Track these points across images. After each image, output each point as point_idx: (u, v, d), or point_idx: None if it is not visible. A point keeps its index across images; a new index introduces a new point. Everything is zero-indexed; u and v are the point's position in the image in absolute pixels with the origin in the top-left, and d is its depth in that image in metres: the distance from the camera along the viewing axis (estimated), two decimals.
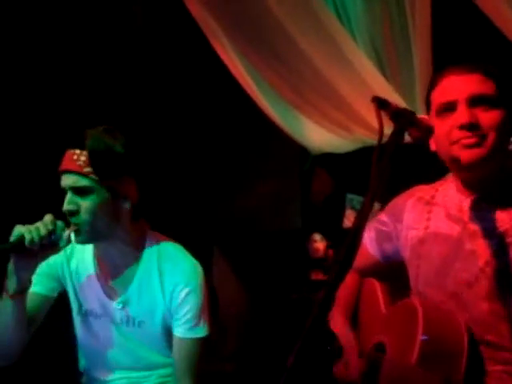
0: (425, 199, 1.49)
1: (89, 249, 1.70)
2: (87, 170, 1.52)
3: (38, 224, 1.46)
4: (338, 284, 1.03)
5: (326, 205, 3.69)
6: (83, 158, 1.52)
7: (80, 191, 1.52)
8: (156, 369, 1.76)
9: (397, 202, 1.56)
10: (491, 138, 1.31)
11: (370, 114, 2.84)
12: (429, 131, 1.32)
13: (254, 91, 3.01)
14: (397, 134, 1.22)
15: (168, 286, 1.64)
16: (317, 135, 3.21)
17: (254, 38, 2.62)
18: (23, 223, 1.48)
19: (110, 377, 1.76)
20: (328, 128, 3.07)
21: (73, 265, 1.71)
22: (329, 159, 3.52)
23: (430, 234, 1.42)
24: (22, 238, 1.44)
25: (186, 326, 1.65)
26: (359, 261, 1.66)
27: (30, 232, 1.43)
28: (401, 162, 1.28)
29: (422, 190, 1.52)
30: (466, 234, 1.35)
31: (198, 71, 3.46)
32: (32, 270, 1.52)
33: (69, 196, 1.54)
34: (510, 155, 1.38)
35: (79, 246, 1.68)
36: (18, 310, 1.51)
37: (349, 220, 3.51)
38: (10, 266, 1.48)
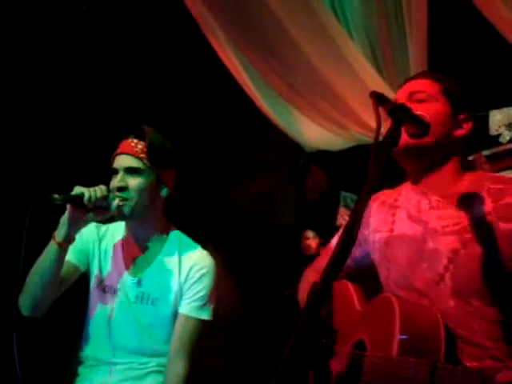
0: (388, 203, 1.53)
1: (119, 230, 1.92)
2: (142, 155, 1.80)
3: (96, 188, 1.70)
4: (334, 277, 1.03)
5: (319, 202, 3.69)
6: (140, 146, 1.82)
7: (132, 171, 1.79)
8: (156, 356, 1.84)
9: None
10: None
11: (365, 112, 2.85)
12: (426, 127, 1.33)
13: (250, 88, 3.01)
14: (394, 129, 1.22)
15: (185, 267, 1.83)
16: (312, 132, 3.22)
17: (250, 35, 2.62)
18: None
19: (112, 361, 1.82)
20: (323, 125, 3.07)
21: (103, 245, 1.91)
22: (323, 156, 3.52)
23: (395, 236, 1.46)
24: (81, 194, 1.67)
25: (195, 305, 1.80)
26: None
27: (89, 192, 1.67)
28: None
29: (385, 194, 1.56)
30: (427, 233, 1.38)
31: (195, 68, 3.45)
32: (81, 225, 1.73)
33: (121, 174, 1.79)
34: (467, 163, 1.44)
35: (111, 230, 1.92)
36: (60, 257, 1.71)
37: (342, 217, 3.51)
38: (64, 217, 1.69)
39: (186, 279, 1.82)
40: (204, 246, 1.97)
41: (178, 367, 1.79)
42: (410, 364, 1.20)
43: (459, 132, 1.41)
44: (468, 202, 1.35)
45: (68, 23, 3.14)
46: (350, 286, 1.57)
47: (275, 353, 0.99)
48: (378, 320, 1.36)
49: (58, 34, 3.11)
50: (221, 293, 1.98)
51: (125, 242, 1.91)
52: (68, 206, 1.68)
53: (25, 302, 1.74)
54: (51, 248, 1.70)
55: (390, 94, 2.78)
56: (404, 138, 1.34)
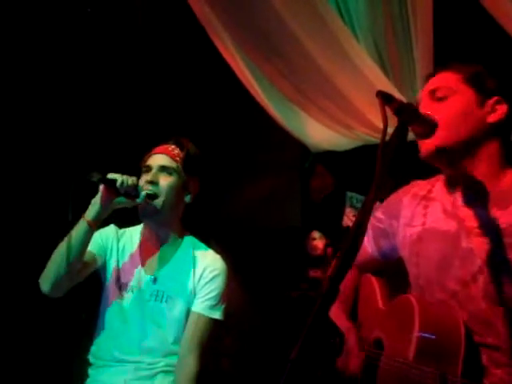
0: (420, 195, 1.47)
1: (137, 232, 2.00)
2: (177, 159, 1.93)
3: (129, 176, 1.81)
4: (342, 277, 1.03)
5: (325, 203, 3.69)
6: (176, 151, 1.94)
7: (165, 169, 1.91)
8: (165, 356, 1.87)
9: (393, 199, 1.54)
10: (442, 126, 1.31)
11: (371, 112, 2.84)
12: (432, 127, 1.32)
13: (255, 89, 3.01)
14: (401, 129, 1.21)
15: (199, 268, 1.90)
16: (317, 133, 3.21)
17: (255, 35, 2.62)
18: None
19: (122, 360, 1.84)
20: (329, 125, 3.07)
21: (121, 244, 1.98)
22: (329, 157, 3.52)
23: (427, 230, 1.40)
24: (115, 179, 1.78)
25: (207, 304, 1.86)
26: (358, 257, 1.66)
27: (122, 177, 1.79)
28: (403, 158, 1.28)
29: (417, 186, 1.50)
30: (462, 230, 1.33)
31: (200, 70, 3.46)
32: (110, 208, 1.82)
33: (154, 171, 1.89)
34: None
35: (129, 232, 2.01)
36: (88, 236, 1.78)
37: (348, 218, 3.51)
38: (96, 198, 1.79)
39: (200, 279, 1.88)
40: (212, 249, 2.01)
41: (189, 365, 1.82)
42: (422, 372, 1.18)
43: (492, 117, 1.32)
44: (507, 203, 1.28)
45: (77, 25, 3.16)
46: (375, 281, 1.54)
47: (284, 353, 0.99)
48: (398, 321, 1.34)
49: (64, 36, 3.14)
50: (228, 294, 2.01)
51: (142, 242, 1.97)
52: (102, 186, 1.78)
53: (47, 278, 1.78)
54: (81, 226, 1.77)
55: (396, 94, 2.79)
56: (428, 144, 1.31)
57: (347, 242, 1.05)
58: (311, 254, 3.59)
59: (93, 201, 1.79)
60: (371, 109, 2.83)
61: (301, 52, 2.54)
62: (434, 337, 1.23)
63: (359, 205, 3.40)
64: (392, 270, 1.57)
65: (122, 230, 2.02)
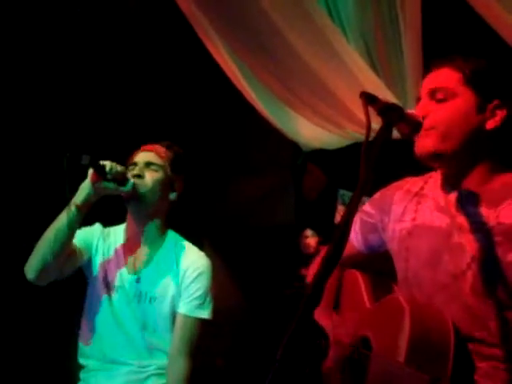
0: (413, 191, 1.47)
1: (121, 230, 2.00)
2: (163, 156, 1.96)
3: (117, 164, 1.83)
4: (327, 278, 1.04)
5: (318, 201, 3.70)
6: (163, 150, 1.98)
7: (152, 165, 1.93)
8: (155, 358, 1.86)
9: (384, 193, 1.54)
10: (439, 129, 1.31)
11: (360, 110, 2.83)
12: (417, 126, 1.33)
13: (244, 88, 3.01)
14: (385, 128, 1.23)
15: (182, 267, 1.88)
16: (308, 131, 3.22)
17: (243, 34, 2.62)
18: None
19: (112, 363, 1.83)
20: (319, 124, 3.07)
21: (107, 242, 1.98)
22: (321, 155, 3.53)
23: (417, 225, 1.41)
24: (104, 164, 1.79)
25: (193, 304, 1.84)
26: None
27: (112, 163, 1.81)
28: (389, 156, 1.28)
29: (410, 182, 1.50)
30: (454, 226, 1.34)
31: (190, 69, 3.46)
32: (98, 193, 1.82)
33: (140, 166, 1.93)
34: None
35: (114, 231, 2.01)
36: (76, 221, 1.78)
37: (340, 215, 3.52)
38: (85, 183, 1.80)
39: (184, 279, 1.86)
40: (202, 247, 2.01)
41: (180, 368, 1.81)
42: (413, 375, 1.19)
43: (491, 123, 1.31)
44: (498, 204, 1.29)
45: (68, 24, 3.16)
46: (360, 277, 1.54)
47: (273, 353, 1.00)
48: (387, 322, 1.34)
49: (56, 33, 3.13)
50: (221, 293, 2.01)
51: (126, 240, 1.98)
52: (91, 170, 1.79)
53: (33, 265, 1.77)
54: (69, 209, 1.77)
55: (386, 93, 2.80)
56: (423, 145, 1.32)
57: (333, 241, 1.06)
58: (304, 252, 3.60)
59: (82, 185, 1.80)
60: (361, 107, 2.83)
61: (289, 50, 2.55)
62: (423, 339, 1.24)
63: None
64: (375, 267, 1.57)
65: (108, 229, 2.02)
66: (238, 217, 3.71)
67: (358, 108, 2.83)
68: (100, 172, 1.78)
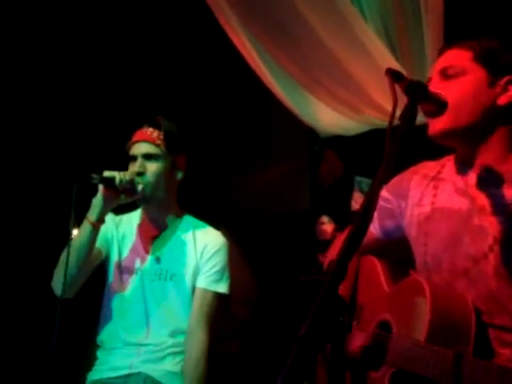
0: (430, 176, 1.45)
1: (136, 216, 2.02)
2: (158, 142, 1.93)
3: (124, 172, 1.83)
4: (351, 256, 1.03)
5: (334, 187, 3.68)
6: (156, 134, 1.94)
7: (150, 157, 1.91)
8: (173, 335, 1.89)
9: (401, 179, 1.52)
10: (450, 107, 1.29)
11: (380, 95, 2.82)
12: (442, 105, 1.31)
13: (263, 73, 2.99)
14: (410, 107, 1.20)
15: (200, 244, 1.93)
16: (326, 117, 3.19)
17: (264, 18, 2.59)
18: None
19: (131, 343, 1.85)
20: (337, 109, 3.05)
21: (120, 229, 2.01)
22: (338, 141, 3.50)
23: (436, 209, 1.38)
24: (113, 177, 1.79)
25: (212, 279, 1.89)
26: None
27: (120, 174, 1.81)
28: (413, 139, 1.26)
29: (427, 167, 1.48)
30: (474, 208, 1.31)
31: (210, 55, 3.45)
32: (111, 206, 1.85)
33: (139, 160, 1.91)
34: None
35: (126, 218, 2.03)
36: (93, 237, 1.82)
37: (357, 203, 3.50)
38: (96, 199, 1.81)
39: (202, 255, 1.92)
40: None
41: (198, 340, 1.85)
42: (435, 352, 1.17)
43: (503, 99, 1.29)
44: None
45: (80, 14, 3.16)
46: (378, 263, 1.51)
47: (292, 337, 0.99)
48: (407, 303, 1.32)
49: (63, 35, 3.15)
50: (237, 279, 2.03)
51: (142, 225, 2.01)
52: (101, 186, 1.80)
53: (58, 282, 1.81)
54: (85, 228, 1.81)
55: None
56: (435, 124, 1.30)
57: (356, 221, 1.04)
58: (320, 238, 3.59)
59: (93, 202, 1.81)
60: (380, 92, 2.80)
61: (309, 34, 2.52)
62: (443, 318, 1.22)
63: (368, 189, 3.39)
64: (393, 252, 1.56)
65: (120, 217, 2.04)
66: (253, 204, 3.71)
67: (376, 92, 2.81)
68: (110, 186, 1.80)
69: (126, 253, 1.97)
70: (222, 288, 1.91)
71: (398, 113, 1.19)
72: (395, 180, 1.53)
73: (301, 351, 0.96)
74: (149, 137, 1.94)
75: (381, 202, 1.52)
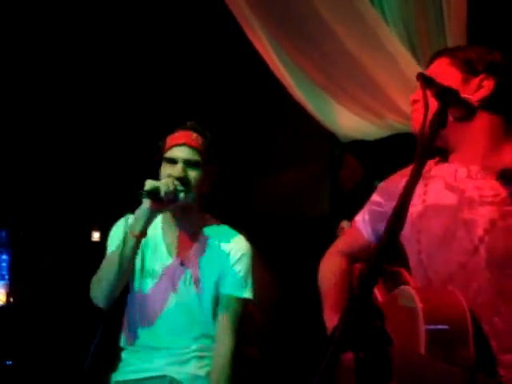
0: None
1: (157, 220, 1.97)
2: (201, 149, 1.91)
3: (167, 181, 1.81)
4: (384, 258, 1.03)
5: (354, 192, 3.66)
6: (200, 141, 1.91)
7: (191, 163, 1.88)
8: (197, 339, 1.90)
9: (391, 181, 1.56)
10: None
11: (402, 99, 2.81)
12: (472, 110, 1.31)
13: (284, 76, 2.99)
14: (441, 113, 1.21)
15: (224, 249, 1.93)
16: (347, 121, 3.19)
17: (284, 21, 2.60)
18: None
19: (155, 346, 1.85)
20: (359, 113, 3.04)
21: None
22: (359, 146, 3.49)
23: (428, 206, 1.41)
24: (157, 188, 1.77)
25: (237, 284, 1.90)
26: (349, 244, 1.66)
27: (163, 185, 1.79)
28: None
29: None
30: (463, 202, 1.34)
31: (228, 58, 3.46)
32: (155, 217, 1.84)
33: (181, 165, 1.88)
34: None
35: None
36: (135, 249, 1.81)
37: None
38: (140, 211, 1.80)
39: (227, 260, 1.91)
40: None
41: (226, 346, 1.87)
42: (446, 370, 1.16)
43: (479, 94, 1.35)
44: (509, 176, 1.31)
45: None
46: None
47: (313, 343, 0.99)
48: (401, 314, 1.32)
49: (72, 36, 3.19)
50: (257, 284, 2.03)
51: (165, 229, 1.99)
52: (148, 200, 1.78)
53: (101, 295, 1.83)
54: (130, 241, 1.79)
55: None
56: (416, 120, 1.37)
57: (389, 224, 1.04)
58: None
59: (137, 214, 1.80)
60: (402, 96, 2.79)
61: (331, 38, 2.52)
62: (441, 327, 1.21)
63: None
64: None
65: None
66: (273, 208, 3.71)
67: (398, 97, 2.80)
68: (156, 198, 1.79)
69: (149, 257, 1.97)
70: (247, 294, 1.91)
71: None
72: (385, 183, 1.56)
73: (334, 356, 0.96)
74: (194, 142, 1.91)
75: (373, 207, 1.54)
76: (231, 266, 1.91)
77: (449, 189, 1.39)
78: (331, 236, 3.66)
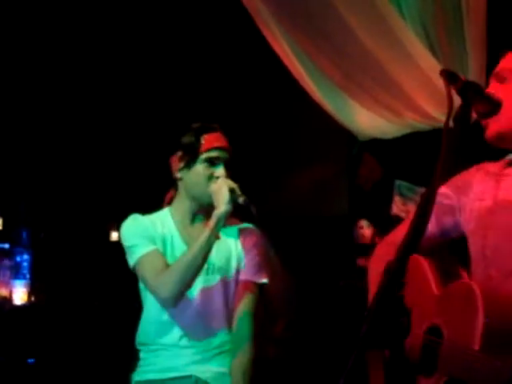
0: (494, 172, 1.44)
1: (166, 215, 2.00)
2: (231, 154, 1.96)
3: (232, 185, 1.84)
4: (409, 255, 1.03)
5: (373, 191, 3.65)
6: (229, 146, 1.95)
7: (226, 166, 1.92)
8: (218, 333, 1.89)
9: (464, 175, 1.52)
10: (504, 110, 1.30)
11: (421, 97, 2.79)
12: (497, 105, 1.30)
13: (302, 76, 2.99)
14: (464, 109, 1.20)
15: (239, 237, 1.97)
16: (365, 119, 3.18)
17: (302, 20, 2.59)
18: None
19: (176, 344, 1.86)
20: (377, 112, 3.03)
21: (158, 227, 1.99)
22: (377, 144, 3.48)
23: (499, 202, 1.37)
24: (244, 200, 1.83)
25: (253, 270, 1.91)
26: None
27: (238, 191, 1.83)
28: (467, 140, 1.26)
29: (490, 165, 1.47)
30: None
31: (247, 57, 3.47)
32: None
33: (223, 167, 1.90)
34: None
35: (158, 217, 2.01)
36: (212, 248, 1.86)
37: (397, 206, 3.46)
38: (220, 213, 1.82)
39: (242, 248, 1.94)
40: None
41: (245, 330, 1.87)
42: (491, 363, 1.15)
43: None
44: None
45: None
46: (426, 263, 1.50)
47: (330, 342, 0.99)
48: (458, 309, 1.29)
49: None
50: (275, 283, 2.04)
51: (180, 224, 1.99)
52: (230, 205, 1.83)
53: (182, 289, 1.85)
54: (211, 240, 1.84)
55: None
56: (491, 127, 1.32)
57: (414, 219, 1.04)
58: (359, 242, 3.56)
59: (219, 216, 1.82)
60: (421, 94, 2.77)
61: (349, 36, 2.51)
62: (500, 325, 1.20)
63: (408, 193, 3.35)
64: (440, 252, 1.53)
65: (149, 217, 2.03)
66: (292, 207, 3.71)
67: (417, 95, 2.78)
68: (236, 204, 1.84)
69: (169, 255, 1.98)
70: (263, 278, 1.93)
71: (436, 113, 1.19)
72: (458, 177, 1.53)
73: (361, 352, 0.96)
74: (228, 146, 1.95)
75: (440, 199, 1.51)
76: (246, 253, 1.93)
77: None
78: (349, 234, 3.67)
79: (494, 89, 1.33)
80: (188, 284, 1.85)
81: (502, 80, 1.34)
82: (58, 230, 3.88)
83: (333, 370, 0.97)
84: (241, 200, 1.83)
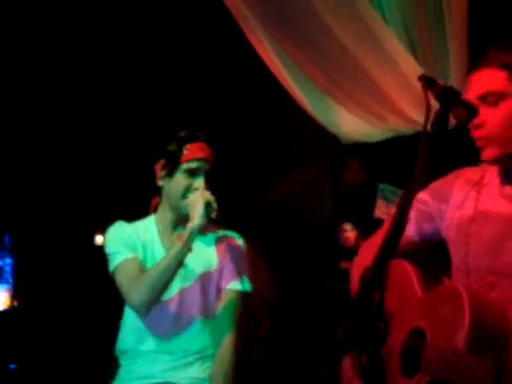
0: (473, 180, 1.46)
1: (151, 223, 2.02)
2: (212, 164, 1.97)
3: (208, 197, 1.85)
4: (386, 262, 1.03)
5: (357, 194, 3.66)
6: (212, 156, 1.96)
7: (206, 178, 1.93)
8: (197, 340, 1.90)
9: (443, 182, 1.53)
10: (499, 137, 1.34)
11: (403, 101, 2.81)
12: (473, 111, 1.31)
13: (285, 78, 2.99)
14: (442, 114, 1.21)
15: (219, 245, 1.97)
16: (348, 123, 3.19)
17: (285, 22, 2.60)
18: None
19: (155, 350, 1.85)
20: (360, 115, 3.04)
21: (140, 234, 2.01)
22: (361, 148, 3.49)
23: (479, 212, 1.39)
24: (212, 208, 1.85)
25: (234, 278, 1.93)
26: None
27: (213, 205, 1.85)
28: (445, 145, 1.27)
29: (470, 172, 1.49)
30: None
31: (230, 61, 3.47)
32: None
33: (203, 179, 1.92)
34: None
35: (141, 224, 2.04)
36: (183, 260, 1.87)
37: (380, 210, 3.47)
38: (195, 226, 1.84)
39: (223, 256, 1.95)
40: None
41: (228, 340, 1.88)
42: (474, 363, 1.16)
43: None
44: None
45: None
46: (410, 267, 1.51)
47: (314, 344, 0.99)
48: (443, 310, 1.30)
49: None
50: (259, 286, 2.04)
51: (163, 231, 2.00)
52: (205, 218, 1.85)
53: (153, 297, 1.85)
54: (184, 253, 1.84)
55: None
56: (489, 154, 1.36)
57: (392, 226, 1.04)
58: (343, 245, 3.57)
59: (192, 228, 1.83)
60: (403, 98, 2.79)
61: (331, 39, 2.53)
62: (484, 325, 1.21)
63: (391, 196, 3.37)
64: (421, 256, 1.55)
65: (132, 224, 2.04)
66: (276, 210, 3.71)
67: (400, 99, 2.80)
68: (209, 217, 1.85)
69: (148, 260, 1.97)
70: (246, 287, 1.94)
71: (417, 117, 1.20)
72: (437, 183, 1.54)
73: (337, 357, 0.96)
74: (210, 157, 1.96)
75: (419, 205, 1.52)
76: (228, 261, 1.94)
77: (505, 198, 1.37)
78: (333, 238, 3.68)
79: (481, 113, 1.34)
80: (158, 294, 1.84)
81: (488, 104, 1.35)
82: (41, 233, 3.85)
83: (317, 373, 0.97)
84: (213, 215, 1.83)
